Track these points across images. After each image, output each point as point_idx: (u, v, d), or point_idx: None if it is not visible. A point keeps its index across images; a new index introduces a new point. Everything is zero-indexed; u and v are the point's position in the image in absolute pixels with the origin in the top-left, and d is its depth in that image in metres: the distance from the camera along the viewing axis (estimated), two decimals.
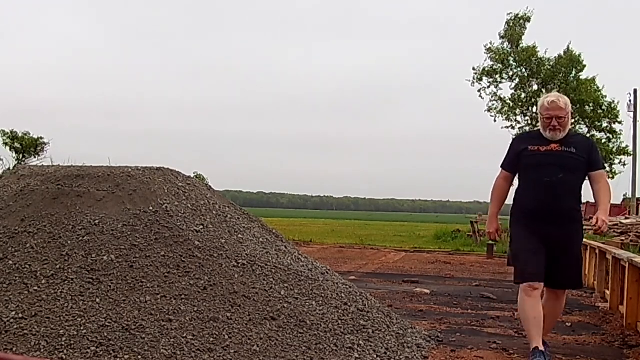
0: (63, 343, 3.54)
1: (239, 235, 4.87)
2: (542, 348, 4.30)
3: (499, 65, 23.16)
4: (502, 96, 23.41)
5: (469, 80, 23.48)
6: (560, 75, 22.78)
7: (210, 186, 5.92)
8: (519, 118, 23.36)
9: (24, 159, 26.83)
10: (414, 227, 36.30)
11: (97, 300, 3.86)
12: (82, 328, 3.64)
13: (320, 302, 4.51)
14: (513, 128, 23.23)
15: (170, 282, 4.10)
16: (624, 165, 23.90)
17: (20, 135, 27.60)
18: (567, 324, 6.11)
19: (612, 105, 23.10)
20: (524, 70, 23.12)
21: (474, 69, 23.45)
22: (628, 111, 29.24)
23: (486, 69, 23.30)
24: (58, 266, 4.09)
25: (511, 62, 23.09)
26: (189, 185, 5.21)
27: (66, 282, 3.98)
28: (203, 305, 3.99)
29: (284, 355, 3.82)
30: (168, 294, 4.00)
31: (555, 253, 4.32)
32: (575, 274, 4.47)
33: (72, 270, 4.06)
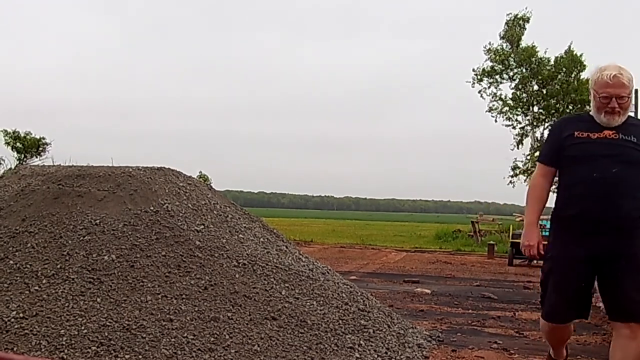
0: (64, 343, 3.54)
1: (240, 235, 4.88)
2: None
3: (499, 65, 23.16)
4: (502, 96, 23.43)
5: (469, 82, 23.50)
6: (561, 76, 22.78)
7: (211, 186, 5.92)
8: (519, 118, 23.37)
9: (25, 159, 26.84)
10: (414, 227, 36.28)
11: (98, 300, 3.86)
12: (82, 328, 3.64)
13: (321, 302, 4.51)
14: (514, 128, 23.25)
15: (171, 282, 4.10)
16: None
17: (22, 135, 27.61)
18: None
19: None
20: (524, 70, 23.12)
21: (473, 70, 23.47)
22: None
23: (486, 69, 23.31)
24: (59, 266, 4.09)
25: (511, 63, 23.10)
26: (190, 185, 5.21)
27: (67, 281, 3.98)
28: (204, 305, 3.99)
29: (284, 355, 3.82)
30: (169, 294, 4.00)
31: (614, 275, 3.24)
32: None
33: (73, 270, 4.07)
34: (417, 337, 4.95)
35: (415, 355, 4.51)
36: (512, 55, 23.05)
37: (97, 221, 4.45)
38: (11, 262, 4.13)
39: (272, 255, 4.82)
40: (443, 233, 23.83)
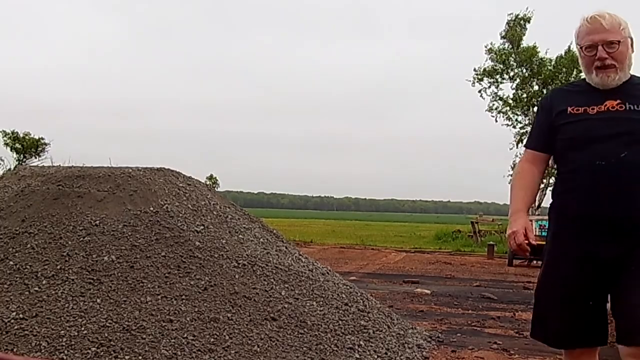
0: (64, 343, 3.54)
1: (240, 236, 4.88)
2: None
3: (499, 65, 23.19)
4: (502, 96, 23.44)
5: (470, 80, 23.52)
6: (562, 76, 22.80)
7: (213, 187, 5.92)
8: (520, 118, 23.38)
9: (24, 160, 26.85)
10: (414, 228, 36.30)
11: (98, 300, 3.86)
12: (82, 328, 3.64)
13: (321, 302, 4.51)
14: (514, 127, 23.27)
15: (170, 283, 4.10)
16: None
17: (21, 135, 27.63)
18: None
19: None
20: (524, 70, 23.14)
21: (474, 69, 23.49)
22: None
23: (487, 69, 23.33)
24: (59, 267, 4.09)
25: (512, 63, 23.13)
26: (190, 186, 5.22)
27: (67, 282, 3.98)
28: (204, 305, 3.99)
29: (284, 355, 3.82)
30: (169, 295, 4.00)
31: (622, 285, 2.44)
32: None
33: (73, 270, 4.07)
34: (416, 337, 4.95)
35: (415, 355, 4.51)
36: (513, 55, 23.09)
37: (97, 222, 4.45)
38: (11, 262, 4.13)
39: (272, 256, 4.82)
40: (443, 233, 23.85)
